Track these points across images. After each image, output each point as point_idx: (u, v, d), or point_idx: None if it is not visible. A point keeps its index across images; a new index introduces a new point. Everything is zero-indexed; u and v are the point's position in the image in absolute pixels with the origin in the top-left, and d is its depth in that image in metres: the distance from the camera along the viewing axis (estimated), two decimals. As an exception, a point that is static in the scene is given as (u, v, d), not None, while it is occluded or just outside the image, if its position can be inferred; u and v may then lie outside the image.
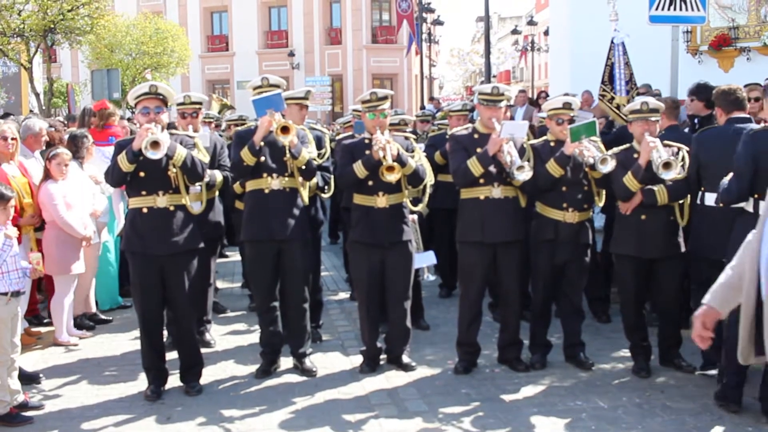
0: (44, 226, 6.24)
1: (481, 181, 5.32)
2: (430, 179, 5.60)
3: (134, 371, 5.50)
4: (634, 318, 5.46)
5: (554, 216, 5.48)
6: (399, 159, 5.19)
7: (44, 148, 6.87)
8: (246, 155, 5.23)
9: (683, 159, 5.28)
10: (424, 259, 6.08)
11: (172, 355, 5.29)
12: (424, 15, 29.70)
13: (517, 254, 5.45)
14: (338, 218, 9.57)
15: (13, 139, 6.09)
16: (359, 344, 5.83)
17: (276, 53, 36.27)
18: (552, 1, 16.93)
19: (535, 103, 14.44)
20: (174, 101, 5.58)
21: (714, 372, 5.06)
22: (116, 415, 4.78)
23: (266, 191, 5.35)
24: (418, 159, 5.47)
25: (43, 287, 7.00)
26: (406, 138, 5.65)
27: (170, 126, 6.02)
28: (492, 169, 5.29)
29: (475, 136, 5.43)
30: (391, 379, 5.39)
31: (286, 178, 5.35)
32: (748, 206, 4.59)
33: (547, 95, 14.60)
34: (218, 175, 5.88)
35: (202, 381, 5.24)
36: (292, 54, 35.93)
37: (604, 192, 5.61)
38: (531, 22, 43.24)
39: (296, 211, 5.39)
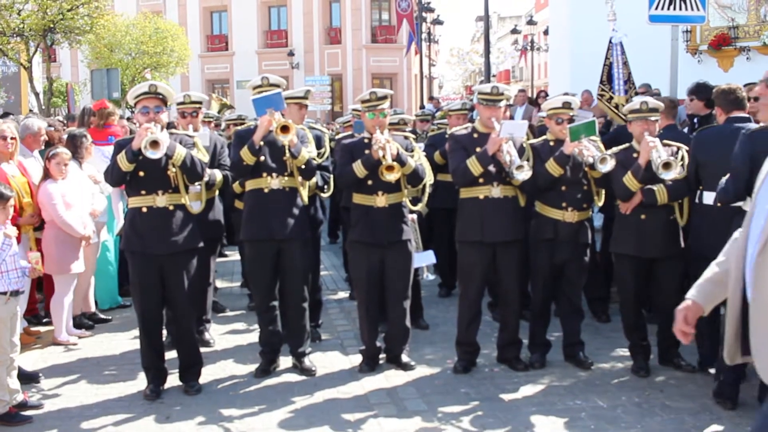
0: (44, 225, 6.24)
1: (481, 180, 5.32)
2: (429, 179, 5.60)
3: (133, 370, 5.50)
4: (634, 317, 5.46)
5: (553, 215, 5.48)
6: (398, 158, 5.19)
7: (43, 147, 6.87)
8: (246, 154, 5.23)
9: (683, 158, 5.28)
10: (423, 259, 6.09)
11: (171, 355, 5.29)
12: (423, 14, 29.70)
13: (517, 254, 5.45)
14: (338, 218, 9.57)
15: (12, 138, 6.09)
16: (358, 343, 5.83)
17: (275, 53, 36.26)
18: (552, 0, 16.94)
19: (535, 103, 14.43)
20: (174, 101, 5.58)
21: (712, 370, 5.06)
22: (115, 415, 4.78)
23: (266, 191, 5.34)
24: (418, 158, 5.47)
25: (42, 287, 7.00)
26: (406, 137, 5.65)
27: (170, 125, 6.03)
28: (491, 168, 5.29)
29: (475, 135, 5.43)
30: (391, 378, 5.39)
31: (286, 178, 5.35)
32: (746, 206, 4.59)
33: (547, 95, 14.60)
34: (218, 175, 5.88)
35: (202, 380, 5.24)
36: (291, 53, 35.93)
37: (603, 191, 5.61)
38: (531, 22, 43.23)
39: (296, 211, 5.39)
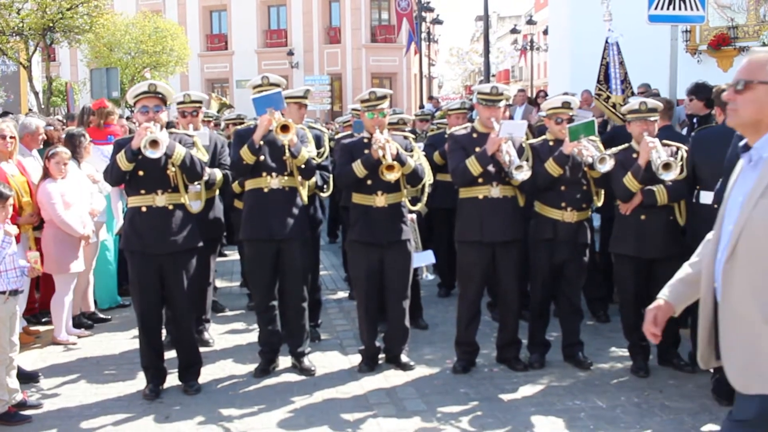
0: (43, 224, 6.23)
1: (480, 180, 5.32)
2: (428, 178, 5.60)
3: (133, 370, 5.50)
4: (634, 318, 5.45)
5: (553, 215, 5.48)
6: (398, 158, 5.19)
7: (42, 146, 6.87)
8: (245, 154, 5.22)
9: (682, 158, 5.28)
10: (422, 259, 6.09)
11: (170, 354, 5.29)
12: (423, 14, 29.68)
13: (516, 254, 5.45)
14: (337, 217, 9.58)
15: (11, 137, 6.09)
16: (358, 343, 5.83)
17: (275, 52, 36.24)
18: (551, 0, 16.94)
19: (534, 103, 14.42)
20: (173, 100, 5.58)
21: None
22: (115, 414, 4.78)
23: (265, 190, 5.34)
24: (417, 158, 5.47)
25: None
26: (405, 137, 5.65)
27: (169, 125, 6.03)
28: (491, 168, 5.28)
29: (474, 135, 5.42)
30: (390, 378, 5.39)
31: (286, 177, 5.35)
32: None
33: (546, 94, 14.59)
34: (218, 174, 5.87)
35: (201, 380, 5.24)
36: (291, 53, 35.92)
37: (602, 191, 5.61)
38: (530, 22, 43.25)
39: (295, 211, 5.39)
